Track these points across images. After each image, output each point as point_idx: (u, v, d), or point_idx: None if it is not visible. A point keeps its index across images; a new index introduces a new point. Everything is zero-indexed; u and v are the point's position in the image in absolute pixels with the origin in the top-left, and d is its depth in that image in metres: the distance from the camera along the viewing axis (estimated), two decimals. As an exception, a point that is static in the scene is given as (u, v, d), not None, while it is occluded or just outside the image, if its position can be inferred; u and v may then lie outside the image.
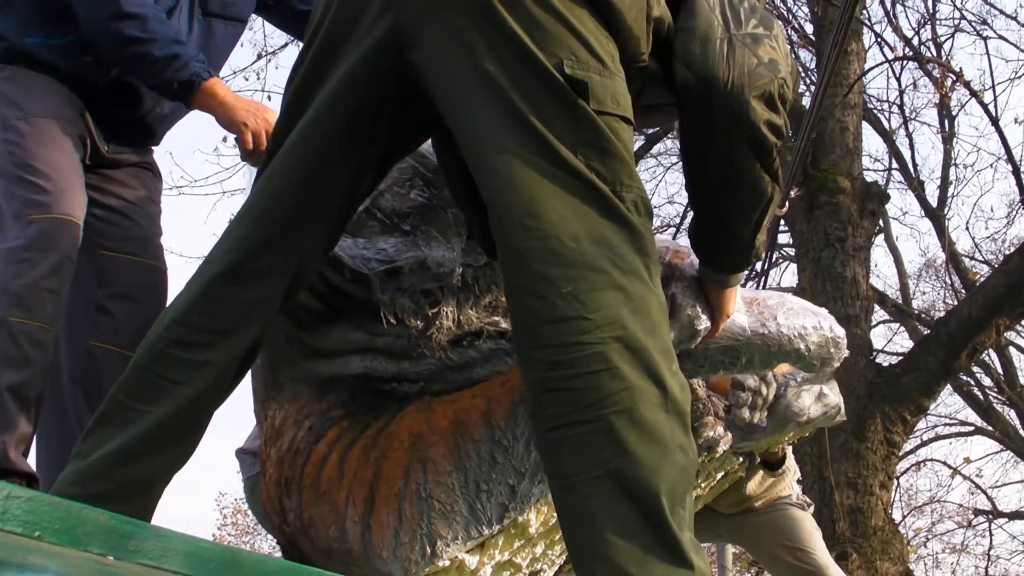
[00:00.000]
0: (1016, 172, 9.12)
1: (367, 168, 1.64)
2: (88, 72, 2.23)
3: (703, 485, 2.25)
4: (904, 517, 13.08)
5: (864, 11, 8.49)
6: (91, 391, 2.17)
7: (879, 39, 9.52)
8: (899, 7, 9.91)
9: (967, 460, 12.46)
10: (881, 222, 10.55)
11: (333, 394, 1.88)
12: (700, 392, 2.04)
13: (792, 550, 3.06)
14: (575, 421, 1.34)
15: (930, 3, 9.94)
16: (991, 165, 13.59)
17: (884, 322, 12.75)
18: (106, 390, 1.61)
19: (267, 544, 15.44)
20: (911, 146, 12.09)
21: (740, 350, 1.93)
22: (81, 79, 2.23)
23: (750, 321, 1.93)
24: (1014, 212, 12.19)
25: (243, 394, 1.95)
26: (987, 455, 13.69)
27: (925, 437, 13.16)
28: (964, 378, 11.40)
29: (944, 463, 13.19)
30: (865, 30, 8.60)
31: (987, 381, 12.17)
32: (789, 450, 2.95)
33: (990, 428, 12.21)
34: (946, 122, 11.30)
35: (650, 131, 8.96)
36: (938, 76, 9.42)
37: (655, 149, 10.40)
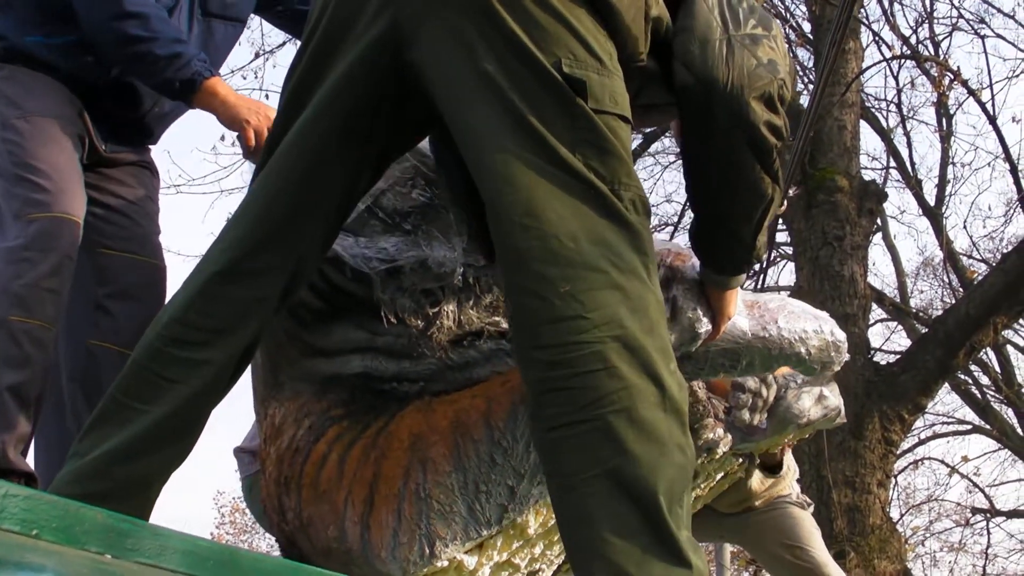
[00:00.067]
0: (1014, 171, 9.15)
1: (365, 167, 1.63)
2: (87, 72, 2.23)
3: (703, 486, 2.26)
4: (902, 516, 13.10)
5: (862, 9, 8.50)
6: (91, 390, 2.17)
7: (877, 37, 9.56)
8: (897, 6, 9.96)
9: (965, 459, 12.50)
10: (879, 221, 10.56)
11: (333, 393, 1.88)
12: (700, 394, 2.04)
13: (791, 548, 3.07)
14: (574, 421, 1.34)
15: (928, 2, 9.98)
16: (989, 164, 13.60)
17: (882, 321, 12.78)
18: (106, 389, 1.61)
19: (265, 543, 15.45)
20: (909, 145, 12.09)
21: (740, 353, 1.93)
22: (80, 78, 2.22)
23: (751, 324, 1.93)
24: (1012, 211, 12.23)
25: (241, 393, 1.95)
26: (985, 454, 13.74)
27: (923, 436, 13.21)
28: (962, 377, 11.43)
29: (942, 462, 13.23)
30: (863, 28, 8.62)
31: (985, 380, 12.20)
32: (788, 450, 2.95)
33: (988, 427, 12.23)
34: (944, 121, 11.32)
35: (648, 130, 8.96)
36: (936, 75, 9.43)
37: (653, 148, 10.43)
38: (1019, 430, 11.87)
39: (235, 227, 1.61)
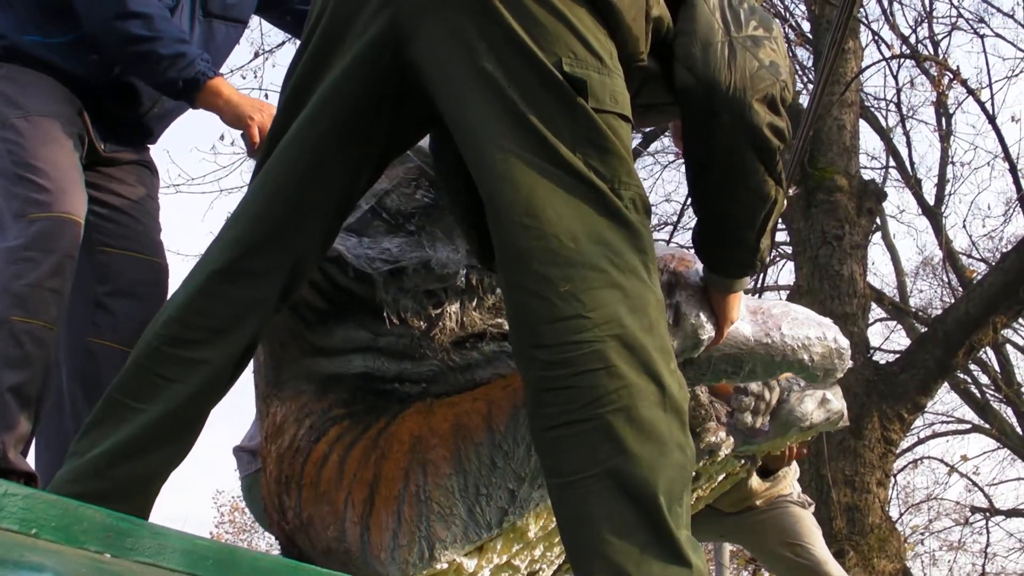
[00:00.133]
0: (1013, 170, 9.15)
1: (364, 166, 1.63)
2: (86, 71, 2.23)
3: (704, 487, 2.25)
4: (901, 515, 13.10)
5: (861, 9, 8.50)
6: (91, 389, 2.17)
7: (876, 37, 9.55)
8: (896, 5, 9.96)
9: (964, 458, 12.51)
10: (878, 220, 10.56)
11: (334, 393, 1.88)
12: (702, 397, 2.04)
13: (792, 546, 3.07)
14: (573, 420, 1.34)
15: (927, 1, 9.96)
16: (988, 163, 13.62)
17: (881, 320, 12.78)
18: (106, 387, 1.61)
19: (264, 542, 15.45)
20: (908, 144, 12.11)
21: (743, 359, 1.93)
22: (79, 78, 2.22)
23: (754, 330, 1.92)
24: (1011, 210, 12.22)
25: (241, 392, 1.96)
26: (984, 453, 13.73)
27: (922, 435, 13.21)
28: (961, 376, 11.42)
29: (941, 461, 13.24)
30: (862, 28, 8.61)
31: (984, 379, 12.20)
32: (793, 452, 2.94)
33: (987, 426, 12.22)
34: (943, 120, 11.32)
35: (647, 129, 8.95)
36: (935, 74, 9.42)
37: (652, 147, 10.40)
38: (1018, 429, 11.87)
39: (234, 226, 1.60)
